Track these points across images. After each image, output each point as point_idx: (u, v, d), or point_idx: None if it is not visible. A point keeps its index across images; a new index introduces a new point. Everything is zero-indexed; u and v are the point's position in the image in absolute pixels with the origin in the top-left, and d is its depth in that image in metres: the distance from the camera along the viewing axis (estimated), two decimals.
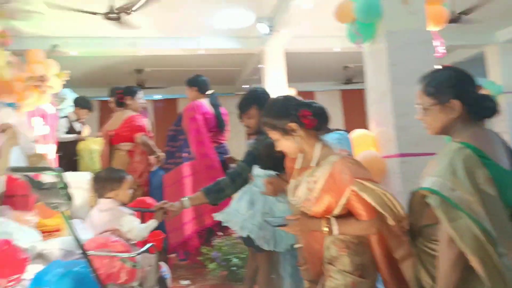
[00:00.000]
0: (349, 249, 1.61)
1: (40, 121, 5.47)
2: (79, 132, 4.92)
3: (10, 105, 4.20)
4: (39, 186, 1.82)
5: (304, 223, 1.63)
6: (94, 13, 4.79)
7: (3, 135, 3.50)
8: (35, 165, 3.96)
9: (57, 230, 3.17)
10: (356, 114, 10.37)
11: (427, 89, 1.49)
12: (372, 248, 1.63)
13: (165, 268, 2.69)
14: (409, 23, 2.78)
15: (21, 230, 2.82)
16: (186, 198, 2.31)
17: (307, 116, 1.61)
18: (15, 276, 2.54)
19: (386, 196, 1.50)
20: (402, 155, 2.69)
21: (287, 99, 1.69)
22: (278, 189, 2.02)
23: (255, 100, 2.44)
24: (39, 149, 4.35)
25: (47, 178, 2.03)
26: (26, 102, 4.83)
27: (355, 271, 1.59)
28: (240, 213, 2.35)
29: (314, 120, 1.61)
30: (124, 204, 2.31)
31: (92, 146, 4.69)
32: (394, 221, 1.49)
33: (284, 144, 1.67)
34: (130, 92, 3.93)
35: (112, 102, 4.13)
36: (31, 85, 4.83)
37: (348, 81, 8.70)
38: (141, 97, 4.02)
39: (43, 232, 3.05)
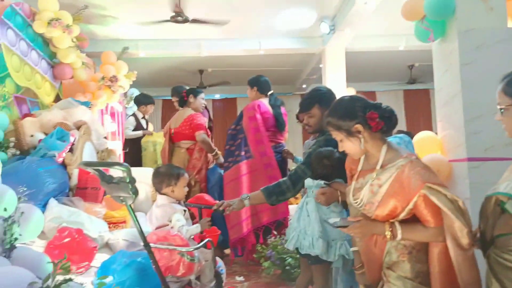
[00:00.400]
0: (410, 254, 1.54)
1: (109, 119, 5.85)
2: (145, 129, 5.18)
3: (84, 103, 4.53)
4: (108, 180, 1.95)
5: (366, 226, 1.58)
6: (165, 21, 5.04)
7: (77, 132, 3.76)
8: (105, 160, 4.25)
9: (123, 222, 3.36)
10: (419, 116, 9.91)
11: (507, 89, 1.39)
12: (431, 260, 1.52)
13: (221, 263, 2.75)
14: (486, 21, 2.58)
15: (91, 221, 3.02)
16: (246, 197, 2.35)
17: (374, 119, 1.56)
18: (85, 264, 2.73)
19: (458, 203, 1.42)
20: (471, 159, 2.51)
21: (353, 99, 1.65)
22: (330, 199, 2.04)
23: (318, 99, 2.42)
24: (109, 145, 4.63)
25: (115, 173, 2.18)
26: (99, 101, 5.20)
27: (416, 278, 1.53)
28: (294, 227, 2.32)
29: (381, 123, 1.56)
30: (179, 201, 2.38)
31: (156, 139, 4.95)
32: (466, 229, 1.39)
33: (348, 145, 1.64)
34: (193, 92, 4.10)
35: (175, 101, 4.31)
36: (103, 85, 5.19)
37: (412, 81, 8.30)
38: (203, 98, 4.16)
39: (110, 223, 3.25)
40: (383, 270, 1.60)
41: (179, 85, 4.57)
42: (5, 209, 1.45)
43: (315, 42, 6.30)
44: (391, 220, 1.53)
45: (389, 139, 1.89)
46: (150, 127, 5.39)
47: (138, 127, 4.95)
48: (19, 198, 1.49)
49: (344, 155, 2.00)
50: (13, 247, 1.42)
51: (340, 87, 6.13)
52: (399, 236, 1.51)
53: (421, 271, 1.53)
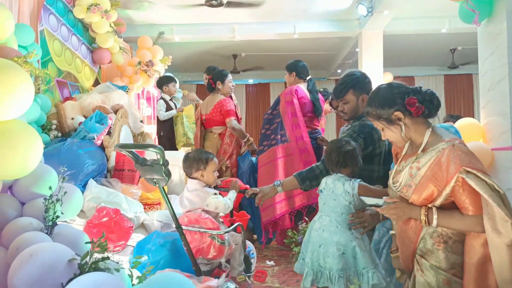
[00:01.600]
0: (446, 244, 1.49)
1: (145, 103, 5.98)
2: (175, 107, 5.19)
3: (122, 88, 4.65)
4: (142, 162, 2.00)
5: (402, 208, 1.55)
6: (200, 5, 5.04)
7: (115, 115, 3.87)
8: (142, 141, 4.36)
9: (158, 204, 3.45)
10: (460, 103, 9.49)
11: None
12: (466, 252, 1.45)
13: (251, 247, 2.77)
14: None
15: (127, 201, 3.12)
16: (279, 183, 2.34)
17: (414, 104, 1.52)
18: (121, 242, 2.83)
19: (500, 192, 1.35)
20: None
21: (391, 86, 1.60)
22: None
23: (352, 84, 2.36)
24: (145, 129, 4.75)
25: (150, 155, 2.22)
26: (135, 85, 5.32)
27: (450, 270, 1.48)
28: None
29: (421, 107, 1.52)
30: (209, 185, 2.39)
31: (185, 113, 5.01)
32: (510, 220, 1.32)
33: (389, 134, 1.61)
34: (220, 76, 4.05)
35: (206, 79, 4.36)
36: (140, 70, 5.30)
37: (454, 66, 7.93)
38: (230, 80, 4.13)
39: (145, 204, 3.35)
40: (416, 257, 1.56)
41: (213, 65, 4.55)
42: (50, 188, 1.52)
43: (351, 25, 6.11)
44: (429, 205, 1.49)
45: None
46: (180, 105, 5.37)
47: (168, 109, 5.01)
48: (63, 178, 1.55)
49: (355, 147, 2.06)
50: (54, 224, 1.50)
51: (377, 72, 5.95)
52: (434, 222, 1.47)
53: (457, 263, 1.47)
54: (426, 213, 1.48)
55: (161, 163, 1.84)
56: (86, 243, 1.36)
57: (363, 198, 1.87)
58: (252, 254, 2.71)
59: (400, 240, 1.64)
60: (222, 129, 3.97)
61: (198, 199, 2.26)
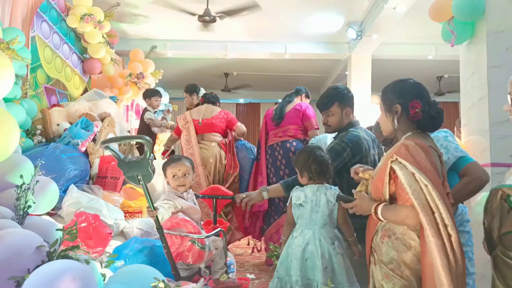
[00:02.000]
0: (389, 239, 1.52)
1: (134, 116, 5.98)
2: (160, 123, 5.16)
3: (111, 98, 4.65)
4: (125, 159, 1.98)
5: (363, 203, 1.61)
6: (193, 14, 5.12)
7: (101, 123, 3.86)
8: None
9: (139, 212, 3.39)
10: (446, 128, 9.63)
11: None
12: (425, 255, 1.42)
13: (232, 261, 2.73)
14: None
15: (108, 208, 3.07)
16: (265, 189, 2.37)
17: (415, 108, 1.57)
18: (99, 249, 2.77)
19: (428, 188, 1.37)
20: (495, 164, 2.42)
21: (416, 84, 1.65)
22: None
23: (338, 97, 2.40)
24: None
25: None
26: (125, 97, 5.33)
27: (388, 264, 1.49)
28: None
29: (419, 115, 1.57)
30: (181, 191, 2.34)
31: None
32: (427, 214, 1.35)
33: (382, 118, 1.68)
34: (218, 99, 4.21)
35: (188, 96, 4.60)
36: (130, 81, 5.33)
37: (441, 93, 8.11)
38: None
39: (126, 212, 3.28)
40: (371, 250, 1.59)
41: (193, 83, 4.68)
42: (21, 176, 1.50)
43: (341, 48, 6.26)
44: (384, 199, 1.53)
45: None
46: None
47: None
48: (35, 167, 1.53)
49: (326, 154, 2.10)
50: (26, 214, 1.46)
51: (365, 95, 6.06)
52: (379, 215, 1.51)
53: (394, 258, 1.49)
54: (375, 206, 1.52)
55: (148, 156, 1.82)
56: (57, 230, 1.33)
57: (340, 195, 1.89)
58: (232, 269, 2.67)
59: (366, 232, 1.67)
60: (220, 138, 3.94)
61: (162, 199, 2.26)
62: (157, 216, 2.03)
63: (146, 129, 4.89)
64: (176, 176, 2.29)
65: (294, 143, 3.62)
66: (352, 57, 6.20)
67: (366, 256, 1.68)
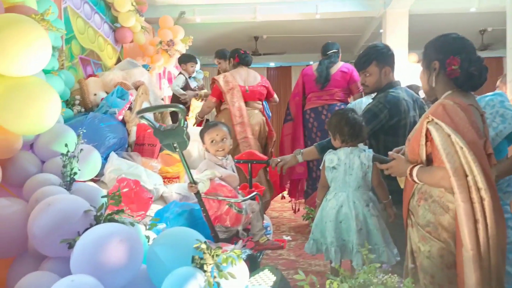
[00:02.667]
0: (426, 201, 1.49)
1: (167, 83, 6.04)
2: (194, 89, 5.21)
3: (143, 66, 4.70)
4: (160, 128, 2.02)
5: (399, 165, 1.59)
6: None
7: (136, 91, 3.93)
8: (160, 121, 4.41)
9: (177, 177, 3.49)
10: (489, 87, 9.14)
11: None
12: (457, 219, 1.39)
13: (268, 223, 2.79)
14: None
15: (147, 174, 3.18)
16: (299, 152, 2.38)
17: (452, 65, 1.50)
18: (141, 213, 2.89)
19: (463, 150, 1.31)
20: None
21: (459, 39, 1.56)
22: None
23: (376, 56, 2.32)
24: None
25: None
26: (157, 65, 5.37)
27: (425, 226, 1.48)
28: None
29: (456, 73, 1.49)
30: (224, 157, 2.38)
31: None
32: (459, 179, 1.31)
33: (421, 76, 1.63)
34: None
35: (219, 63, 4.68)
36: (161, 49, 5.34)
37: (484, 48, 7.64)
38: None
39: (165, 178, 3.39)
40: (408, 212, 1.57)
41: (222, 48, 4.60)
42: (66, 145, 1.56)
43: (375, 4, 5.95)
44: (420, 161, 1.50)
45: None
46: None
47: (186, 86, 5.03)
48: (78, 136, 1.59)
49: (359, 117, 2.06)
50: (72, 180, 1.54)
51: (402, 54, 5.78)
52: (414, 176, 1.47)
53: (431, 221, 1.47)
54: (411, 168, 1.48)
55: (182, 124, 1.84)
56: (102, 197, 1.39)
57: (376, 155, 1.87)
58: (269, 231, 2.73)
59: (404, 195, 1.66)
60: (260, 105, 3.93)
61: (201, 167, 2.30)
62: (198, 191, 2.08)
63: (177, 97, 4.97)
64: (214, 141, 2.32)
65: (343, 107, 3.57)
66: (387, 13, 5.88)
67: (403, 219, 1.67)
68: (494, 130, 1.74)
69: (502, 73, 9.05)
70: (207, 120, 4.53)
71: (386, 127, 2.21)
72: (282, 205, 4.94)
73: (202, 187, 2.14)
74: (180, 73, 5.08)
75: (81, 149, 1.60)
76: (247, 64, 3.92)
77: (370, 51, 2.34)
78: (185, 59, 5.07)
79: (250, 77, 3.88)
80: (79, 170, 1.57)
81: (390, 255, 1.98)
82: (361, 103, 3.32)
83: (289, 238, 3.24)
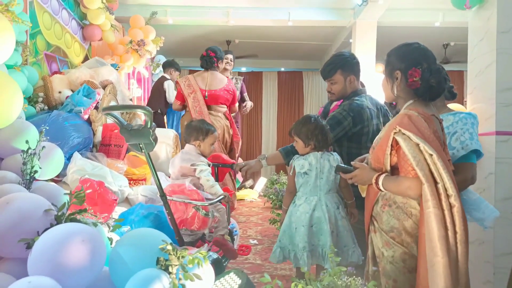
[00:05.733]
0: (390, 208, 1.54)
1: (135, 84, 5.93)
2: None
3: (112, 65, 4.59)
4: (127, 127, 1.97)
5: (363, 173, 1.61)
6: None
7: (103, 90, 3.83)
8: (129, 121, 4.32)
9: (143, 179, 3.43)
10: (458, 98, 9.55)
11: None
12: (422, 224, 1.42)
13: (235, 224, 2.78)
14: None
15: (112, 175, 3.10)
16: (264, 157, 2.38)
17: (413, 76, 1.54)
18: (104, 215, 2.81)
19: (432, 158, 1.37)
20: (500, 133, 2.41)
21: (420, 49, 1.59)
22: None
23: (341, 65, 2.35)
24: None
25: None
26: (126, 64, 5.26)
27: (389, 232, 1.52)
28: None
29: (417, 84, 1.54)
30: (204, 156, 2.41)
31: None
32: (430, 185, 1.35)
33: (384, 84, 1.67)
34: (222, 56, 4.09)
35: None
36: (131, 48, 5.24)
37: (446, 61, 7.98)
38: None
39: (130, 179, 3.32)
40: (371, 218, 1.61)
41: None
42: (27, 141, 1.50)
43: (346, 14, 6.10)
44: (383, 170, 1.54)
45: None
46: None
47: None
48: (40, 133, 1.53)
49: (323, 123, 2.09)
50: (33, 179, 1.48)
51: (369, 64, 5.96)
52: (380, 185, 1.51)
53: (395, 227, 1.51)
54: (376, 177, 1.52)
55: (148, 126, 1.82)
56: (64, 194, 1.35)
57: (338, 165, 1.90)
58: (236, 231, 2.72)
59: (366, 202, 1.69)
60: (225, 109, 3.92)
61: (188, 159, 2.28)
62: (159, 180, 2.05)
63: (159, 96, 4.94)
64: (212, 145, 2.40)
65: None
66: (357, 24, 6.05)
67: (365, 224, 1.70)
68: (461, 143, 1.83)
69: (462, 86, 9.50)
70: None
71: (350, 134, 2.27)
72: (250, 210, 4.95)
73: (218, 188, 2.27)
74: (164, 77, 5.11)
75: (43, 147, 1.54)
76: (206, 68, 3.93)
77: (336, 60, 2.38)
78: (168, 65, 5.18)
79: (214, 80, 3.89)
80: (40, 168, 1.51)
81: (359, 255, 2.02)
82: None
83: (255, 242, 3.25)
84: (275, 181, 6.15)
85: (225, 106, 3.91)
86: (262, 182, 6.65)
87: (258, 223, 4.06)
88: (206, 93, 3.83)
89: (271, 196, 5.39)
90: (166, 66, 5.47)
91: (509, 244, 2.27)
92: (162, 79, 5.25)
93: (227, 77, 4.11)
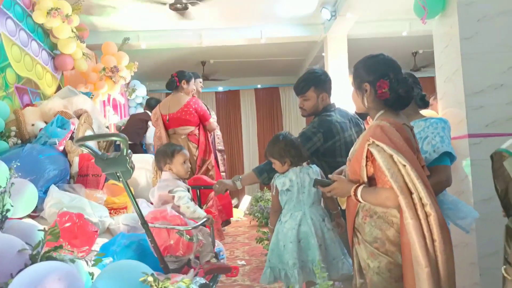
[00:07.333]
0: (371, 218, 1.54)
1: (111, 110, 5.87)
2: None
3: (86, 94, 4.53)
4: (102, 156, 1.94)
5: (342, 186, 1.62)
6: (164, 3, 5.00)
7: (78, 120, 3.77)
8: (106, 150, 4.25)
9: (124, 208, 3.36)
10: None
11: None
12: (403, 234, 1.44)
13: (221, 248, 2.74)
14: None
15: (91, 206, 3.02)
16: (238, 179, 2.37)
17: (382, 87, 1.56)
18: (85, 248, 2.73)
19: (406, 168, 1.39)
20: (472, 135, 2.47)
21: (386, 60, 1.62)
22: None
23: (314, 82, 2.39)
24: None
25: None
26: (100, 92, 5.21)
27: (373, 243, 1.52)
28: None
29: (386, 95, 1.57)
30: (182, 179, 2.38)
31: None
32: (405, 196, 1.37)
33: (354, 95, 1.68)
34: (186, 76, 4.13)
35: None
36: (104, 76, 5.20)
37: (416, 69, 8.20)
38: (200, 82, 4.34)
39: (111, 209, 3.25)
40: (354, 230, 1.61)
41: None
42: None
43: (316, 29, 6.23)
44: (362, 181, 1.54)
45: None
46: None
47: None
48: (10, 169, 1.48)
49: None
50: (5, 218, 1.42)
51: (343, 76, 6.07)
52: (359, 197, 1.52)
53: (378, 237, 1.52)
54: (355, 189, 1.52)
55: (124, 154, 1.78)
56: (39, 230, 1.30)
57: (316, 179, 1.90)
58: (222, 255, 2.68)
59: (347, 214, 1.69)
60: (189, 129, 3.91)
61: (165, 187, 2.24)
62: (139, 208, 2.01)
63: (134, 126, 4.88)
64: (185, 162, 2.34)
65: None
66: (327, 38, 6.18)
67: (348, 236, 1.70)
68: (433, 147, 1.86)
69: (434, 91, 9.78)
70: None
71: (322, 150, 2.29)
72: (236, 229, 4.89)
73: (200, 211, 2.25)
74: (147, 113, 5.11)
75: (12, 184, 1.49)
76: (169, 89, 4.01)
77: (309, 77, 2.42)
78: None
79: (173, 103, 3.95)
80: (12, 206, 1.46)
81: (350, 265, 2.00)
82: None
83: (243, 263, 3.20)
84: (260, 198, 6.12)
85: (191, 127, 3.92)
86: (246, 200, 6.62)
87: (245, 243, 4.02)
88: (167, 117, 3.91)
89: (256, 214, 5.35)
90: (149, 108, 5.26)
91: (491, 244, 2.29)
92: (147, 117, 5.13)
93: (194, 96, 4.11)
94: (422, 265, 1.34)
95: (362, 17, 5.58)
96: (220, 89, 9.67)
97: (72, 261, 1.23)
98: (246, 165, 9.40)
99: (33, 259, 1.19)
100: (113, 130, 5.51)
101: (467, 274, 2.42)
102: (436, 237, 1.36)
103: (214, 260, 2.25)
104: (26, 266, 1.16)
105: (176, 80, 3.95)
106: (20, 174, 1.59)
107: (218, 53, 7.33)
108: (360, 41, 6.44)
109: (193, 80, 4.07)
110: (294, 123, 9.60)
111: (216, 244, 2.44)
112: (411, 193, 1.39)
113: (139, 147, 5.04)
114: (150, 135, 4.96)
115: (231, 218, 3.95)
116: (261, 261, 3.21)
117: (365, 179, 1.53)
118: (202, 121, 3.97)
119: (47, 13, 4.17)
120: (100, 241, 2.81)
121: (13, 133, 3.44)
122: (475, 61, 2.52)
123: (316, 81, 2.39)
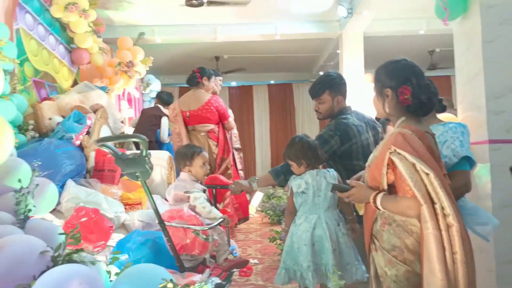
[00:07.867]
0: (390, 226, 1.52)
1: (126, 105, 5.91)
2: None
3: (101, 88, 4.57)
4: (122, 157, 1.95)
5: (360, 192, 1.60)
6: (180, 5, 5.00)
7: (94, 115, 3.81)
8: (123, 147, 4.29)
9: (139, 204, 3.39)
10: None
11: None
12: (423, 244, 1.41)
13: (234, 246, 2.76)
14: None
15: (107, 201, 3.06)
16: (255, 180, 2.37)
17: (403, 94, 1.54)
18: (101, 243, 2.76)
19: (429, 177, 1.37)
20: (492, 141, 2.43)
21: (409, 66, 1.60)
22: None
23: (329, 85, 2.39)
24: (126, 130, 4.67)
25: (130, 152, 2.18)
26: (116, 86, 5.25)
27: (391, 251, 1.51)
28: None
29: (408, 101, 1.54)
30: (200, 181, 2.39)
31: None
32: (428, 205, 1.35)
33: (375, 100, 1.66)
34: (208, 73, 4.11)
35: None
36: (120, 70, 5.23)
37: (433, 67, 8.08)
38: (220, 80, 4.28)
39: (126, 204, 3.28)
40: (372, 237, 1.60)
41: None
42: (20, 180, 1.47)
43: (332, 26, 6.17)
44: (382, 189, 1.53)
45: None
46: None
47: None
48: (33, 171, 1.51)
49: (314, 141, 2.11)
50: (27, 218, 1.45)
51: (358, 73, 6.01)
52: (378, 205, 1.50)
53: (397, 245, 1.50)
54: (374, 196, 1.51)
55: (144, 154, 1.80)
56: (60, 234, 1.32)
57: (334, 184, 1.89)
58: (236, 253, 2.70)
59: (365, 220, 1.67)
60: (209, 127, 3.91)
61: (182, 187, 2.26)
62: (156, 207, 2.03)
63: (148, 123, 4.89)
64: (204, 164, 2.36)
65: None
66: (343, 35, 6.11)
67: (365, 243, 1.69)
68: (452, 151, 1.83)
69: (450, 90, 9.64)
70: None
71: (339, 153, 2.29)
72: (248, 226, 4.91)
73: (216, 212, 2.28)
74: (165, 114, 5.10)
75: (37, 184, 1.51)
76: (189, 85, 3.99)
77: (324, 80, 2.42)
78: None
79: (194, 100, 3.93)
80: (34, 206, 1.48)
81: (363, 272, 2.00)
82: None
83: (256, 261, 3.21)
84: (272, 195, 6.12)
85: (211, 125, 3.92)
86: (258, 197, 6.62)
87: (257, 240, 4.03)
88: (188, 114, 3.89)
89: (268, 212, 5.36)
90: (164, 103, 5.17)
91: (510, 251, 2.27)
92: (160, 112, 5.11)
93: (214, 93, 4.11)
94: (438, 277, 1.32)
95: (379, 14, 5.51)
96: (233, 84, 9.66)
97: (93, 263, 1.24)
98: (258, 161, 9.40)
99: (55, 261, 1.20)
100: (127, 124, 5.55)
101: (484, 282, 2.39)
102: (457, 249, 1.34)
103: (231, 257, 2.28)
104: (48, 268, 1.18)
105: (197, 76, 3.94)
106: (40, 171, 1.60)
107: (232, 48, 7.32)
108: (377, 38, 6.37)
109: (213, 77, 4.07)
110: (307, 119, 9.56)
111: (230, 243, 2.46)
112: (433, 203, 1.37)
113: (153, 143, 5.05)
114: (164, 131, 4.95)
115: (249, 216, 3.97)
116: (273, 260, 3.22)
117: (385, 187, 1.51)
118: (221, 120, 3.98)
119: (65, 7, 4.20)
120: (115, 236, 2.85)
121: (31, 127, 3.48)
122: (497, 65, 2.47)
123: (331, 84, 2.38)
